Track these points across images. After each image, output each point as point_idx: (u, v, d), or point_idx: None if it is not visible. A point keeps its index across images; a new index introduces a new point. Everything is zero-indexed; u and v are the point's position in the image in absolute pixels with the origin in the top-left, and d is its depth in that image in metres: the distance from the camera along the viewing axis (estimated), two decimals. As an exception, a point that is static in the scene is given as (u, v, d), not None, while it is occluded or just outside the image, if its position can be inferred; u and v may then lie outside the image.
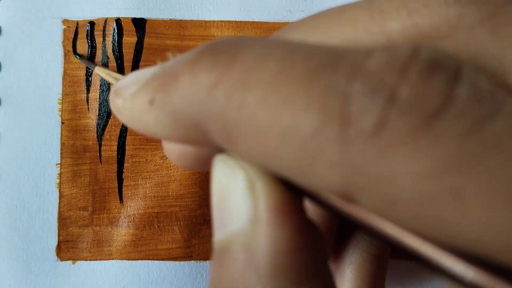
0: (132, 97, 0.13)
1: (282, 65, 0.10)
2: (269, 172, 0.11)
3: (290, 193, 0.12)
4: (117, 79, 0.24)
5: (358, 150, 0.08)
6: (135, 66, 0.30)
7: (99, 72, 0.26)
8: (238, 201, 0.11)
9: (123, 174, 0.30)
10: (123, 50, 0.30)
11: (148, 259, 0.30)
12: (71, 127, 0.30)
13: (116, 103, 0.14)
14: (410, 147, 0.08)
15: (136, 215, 0.29)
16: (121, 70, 0.30)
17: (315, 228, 0.12)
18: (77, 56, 0.29)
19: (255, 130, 0.10)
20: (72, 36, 0.30)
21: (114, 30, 0.30)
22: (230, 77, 0.10)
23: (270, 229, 0.11)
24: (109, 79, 0.25)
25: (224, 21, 0.30)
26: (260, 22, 0.30)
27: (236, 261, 0.11)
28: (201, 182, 0.30)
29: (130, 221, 0.29)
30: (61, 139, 0.30)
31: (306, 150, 0.09)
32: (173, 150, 0.17)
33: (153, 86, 0.12)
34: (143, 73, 0.13)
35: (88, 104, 0.30)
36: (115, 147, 0.30)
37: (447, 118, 0.08)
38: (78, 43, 0.30)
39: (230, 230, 0.12)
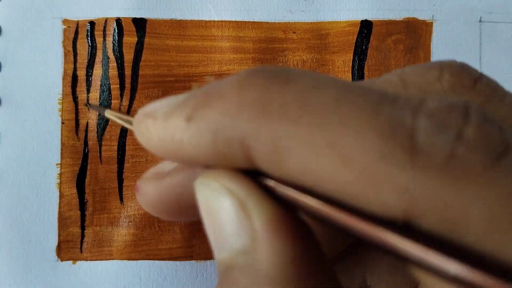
0: (166, 115, 0.12)
1: (341, 92, 0.10)
2: (258, 189, 0.12)
3: (282, 204, 0.12)
4: (128, 121, 0.23)
5: (428, 178, 0.09)
6: (136, 66, 0.30)
7: (109, 115, 0.25)
8: (231, 221, 0.12)
9: (124, 174, 0.30)
10: (123, 50, 0.30)
11: (149, 259, 0.29)
12: (71, 127, 0.30)
13: (145, 124, 0.13)
14: (481, 179, 0.09)
15: (137, 215, 0.29)
16: (121, 69, 0.30)
17: (310, 230, 0.12)
18: (87, 106, 0.29)
19: (313, 150, 0.10)
20: (72, 36, 0.30)
21: (114, 30, 0.30)
22: (286, 95, 0.11)
23: (270, 244, 0.11)
24: (120, 121, 0.24)
25: (224, 21, 0.30)
26: (261, 22, 0.30)
27: (242, 279, 0.12)
28: (201, 182, 0.30)
29: (131, 221, 0.29)
30: (61, 139, 0.30)
31: (370, 174, 0.10)
32: (151, 196, 0.16)
33: (192, 104, 0.12)
34: (176, 97, 0.13)
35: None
36: (115, 147, 0.30)
37: (510, 157, 0.09)
38: (78, 43, 0.30)
39: (230, 250, 0.12)
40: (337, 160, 0.10)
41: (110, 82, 0.30)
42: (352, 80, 0.30)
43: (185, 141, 0.12)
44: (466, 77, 0.13)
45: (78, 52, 0.30)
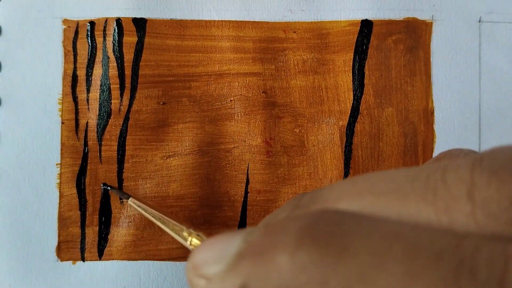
0: (219, 279, 0.12)
1: (409, 269, 0.10)
2: None
3: None
4: (146, 210, 0.24)
5: None
6: (136, 66, 0.30)
7: (132, 204, 0.26)
8: None
9: (123, 174, 0.30)
10: (124, 50, 0.30)
11: (149, 260, 0.29)
12: (71, 127, 0.30)
13: (199, 284, 0.13)
14: None
15: (136, 215, 0.29)
16: (121, 69, 0.30)
17: None
18: (108, 188, 0.29)
19: None
20: (72, 36, 0.30)
21: (114, 30, 0.30)
22: (345, 273, 0.10)
23: None
24: (140, 210, 0.25)
25: (224, 21, 0.30)
26: (261, 21, 0.30)
27: None
28: (201, 182, 0.30)
29: (131, 222, 0.29)
30: (61, 139, 0.30)
31: None
32: None
33: (244, 269, 0.12)
34: (224, 248, 0.13)
35: (88, 104, 0.30)
36: (115, 147, 0.30)
37: None
38: (78, 42, 0.30)
39: None
40: None
41: (110, 82, 0.30)
42: (352, 79, 0.30)
43: None
44: None
45: (78, 52, 0.30)
